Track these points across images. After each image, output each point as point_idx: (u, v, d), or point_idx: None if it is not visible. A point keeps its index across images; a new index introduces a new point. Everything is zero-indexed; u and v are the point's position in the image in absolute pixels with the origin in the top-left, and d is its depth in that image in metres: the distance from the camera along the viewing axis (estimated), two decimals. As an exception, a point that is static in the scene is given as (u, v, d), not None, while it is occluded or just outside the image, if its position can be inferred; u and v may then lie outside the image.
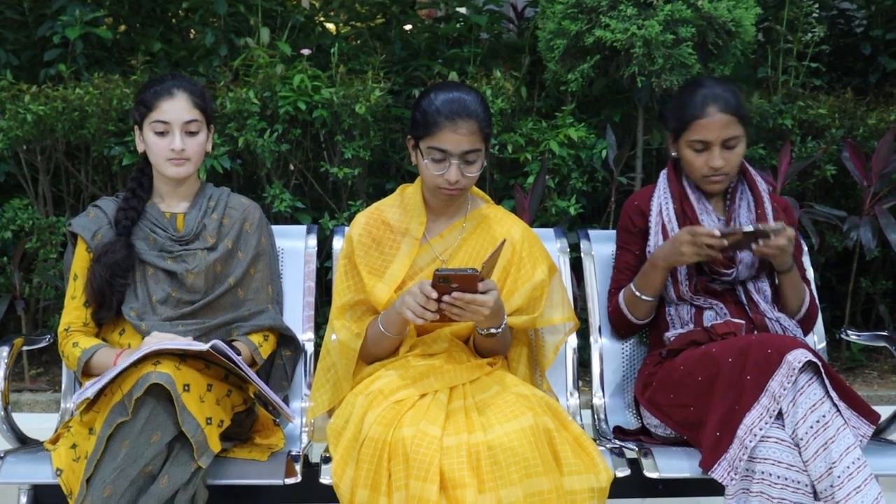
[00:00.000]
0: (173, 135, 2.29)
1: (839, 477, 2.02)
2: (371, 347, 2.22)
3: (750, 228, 2.27)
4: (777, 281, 2.42)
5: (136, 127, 2.35)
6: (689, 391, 2.22)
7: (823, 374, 2.11)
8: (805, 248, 2.63)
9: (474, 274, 1.97)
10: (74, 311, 2.31)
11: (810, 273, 2.61)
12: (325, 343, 2.29)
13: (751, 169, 2.47)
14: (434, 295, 1.98)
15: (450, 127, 2.13)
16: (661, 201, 2.45)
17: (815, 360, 2.10)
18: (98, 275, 2.26)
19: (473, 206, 2.32)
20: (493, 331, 2.13)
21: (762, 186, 2.45)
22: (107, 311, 2.28)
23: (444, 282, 1.97)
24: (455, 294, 1.98)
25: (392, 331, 2.16)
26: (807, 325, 2.46)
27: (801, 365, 2.08)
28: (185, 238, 2.33)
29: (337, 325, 2.24)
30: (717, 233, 2.24)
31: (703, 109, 2.34)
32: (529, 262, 2.26)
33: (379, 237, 2.26)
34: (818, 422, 2.07)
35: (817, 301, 2.52)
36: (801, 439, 2.07)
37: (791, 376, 2.08)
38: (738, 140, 2.35)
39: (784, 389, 2.08)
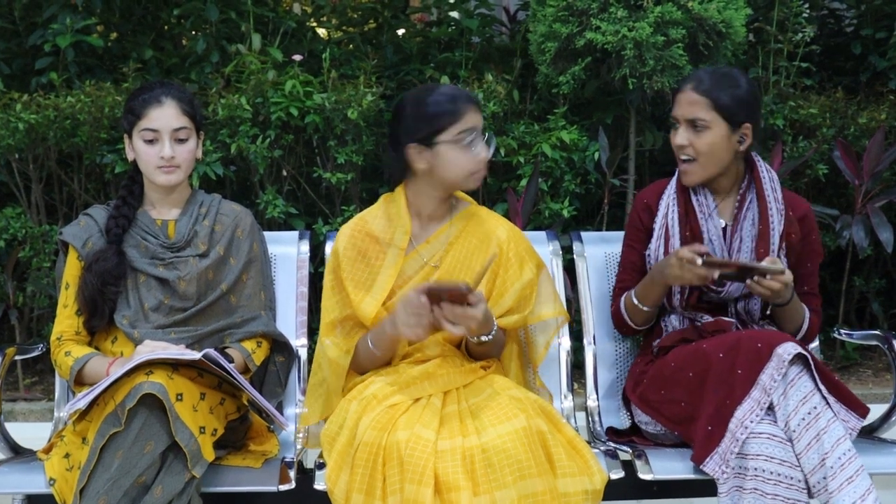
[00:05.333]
0: (163, 142, 2.28)
1: (832, 468, 2.03)
2: (363, 362, 2.22)
3: (745, 264, 2.21)
4: (770, 311, 2.38)
5: (125, 135, 2.34)
6: (681, 387, 2.23)
7: (812, 367, 2.12)
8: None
9: (466, 291, 2.00)
10: (66, 321, 2.30)
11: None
12: (317, 357, 2.29)
13: (764, 175, 2.37)
14: (425, 301, 2.01)
15: (469, 107, 2.19)
16: (669, 201, 2.40)
17: (804, 352, 2.11)
18: (89, 283, 2.25)
19: (458, 209, 2.33)
20: (483, 339, 2.15)
21: (770, 196, 2.35)
22: (99, 319, 2.27)
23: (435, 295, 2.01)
24: (445, 307, 2.02)
25: (382, 349, 2.17)
26: (805, 341, 2.39)
27: (790, 357, 2.10)
28: (177, 245, 2.32)
29: (326, 342, 2.24)
30: (699, 261, 2.19)
31: (681, 85, 2.36)
32: (516, 261, 2.27)
33: (364, 249, 2.26)
34: (809, 413, 2.08)
35: (821, 315, 2.45)
36: (794, 431, 2.08)
37: (781, 369, 2.09)
38: (704, 124, 2.29)
39: (774, 382, 2.09)
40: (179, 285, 2.28)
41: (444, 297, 2.00)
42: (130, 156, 2.34)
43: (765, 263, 2.20)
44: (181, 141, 2.30)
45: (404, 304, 2.05)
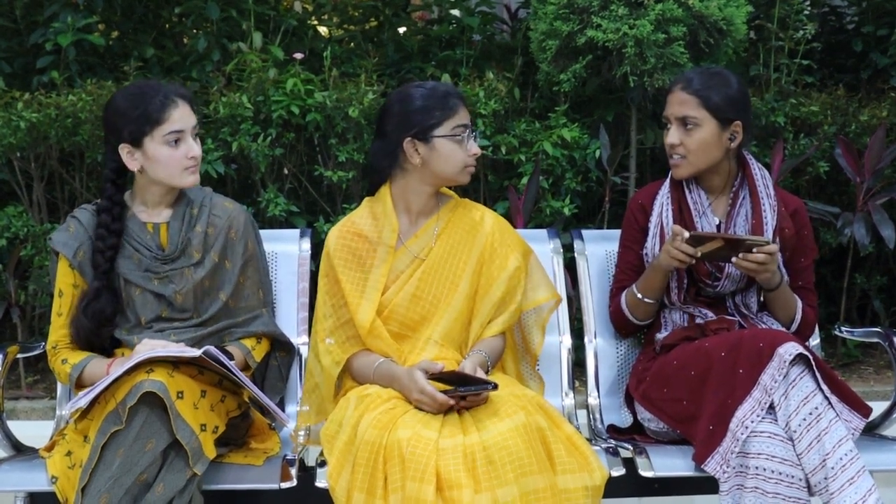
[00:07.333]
0: (188, 142, 2.22)
1: (833, 468, 2.03)
2: (361, 381, 2.23)
3: (730, 236, 2.24)
4: (763, 297, 2.40)
5: (126, 145, 2.22)
6: (682, 386, 2.23)
7: (814, 367, 2.12)
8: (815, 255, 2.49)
9: (493, 389, 2.04)
10: (61, 329, 2.26)
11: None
12: (309, 365, 2.31)
13: (756, 173, 2.40)
14: (448, 401, 2.05)
15: (460, 104, 2.24)
16: (663, 201, 2.43)
17: (805, 353, 2.12)
18: (84, 326, 2.21)
19: (443, 203, 2.35)
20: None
21: (763, 192, 2.38)
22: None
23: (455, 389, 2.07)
24: (465, 396, 2.07)
25: (384, 385, 2.17)
26: (801, 336, 2.39)
27: (791, 358, 2.10)
28: (171, 256, 2.27)
29: (321, 349, 2.25)
30: (686, 234, 2.23)
31: (672, 86, 2.39)
32: (502, 250, 2.30)
33: (355, 248, 2.27)
34: (811, 414, 2.08)
35: (817, 311, 2.46)
36: (795, 432, 2.08)
37: (782, 369, 2.10)
38: (695, 122, 2.32)
39: (775, 382, 2.10)
40: (176, 299, 2.26)
41: (467, 398, 2.05)
42: (135, 165, 2.23)
43: (746, 235, 2.24)
44: (195, 138, 2.26)
45: (425, 395, 2.05)
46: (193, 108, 2.27)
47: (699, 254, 2.23)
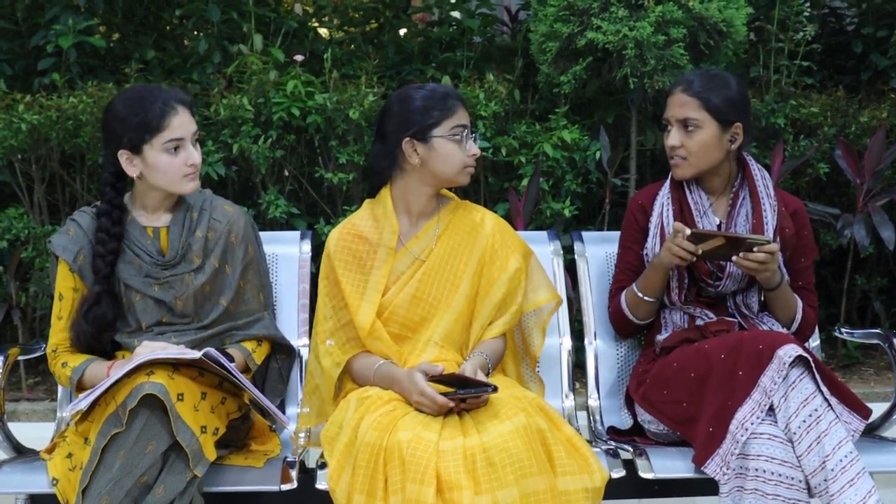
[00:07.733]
0: (187, 149, 2.20)
1: (833, 470, 2.03)
2: (361, 383, 2.23)
3: (731, 234, 2.25)
4: (763, 297, 2.41)
5: (126, 151, 2.19)
6: (682, 387, 2.24)
7: (814, 369, 2.12)
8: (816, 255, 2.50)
9: (493, 392, 2.03)
10: (61, 333, 2.25)
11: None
12: (309, 367, 2.31)
13: (756, 174, 2.41)
14: (448, 404, 2.04)
15: (459, 105, 2.24)
16: (664, 201, 2.43)
17: (805, 354, 2.12)
18: (85, 331, 2.20)
19: (444, 204, 2.35)
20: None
21: (763, 192, 2.39)
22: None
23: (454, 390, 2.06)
24: (465, 399, 2.06)
25: (384, 387, 2.17)
26: (801, 337, 2.41)
27: (791, 360, 2.10)
28: (171, 262, 2.26)
29: (321, 350, 2.26)
30: (688, 231, 2.23)
31: (672, 88, 2.40)
32: (502, 252, 2.30)
33: (356, 249, 2.28)
34: (811, 416, 2.08)
35: (817, 311, 2.47)
36: (795, 433, 2.08)
37: (782, 371, 2.10)
38: (696, 124, 2.32)
39: (775, 384, 2.10)
40: (176, 305, 2.25)
41: (467, 400, 2.04)
42: (134, 172, 2.22)
43: (747, 234, 2.25)
44: (195, 144, 2.25)
45: (425, 397, 2.04)
46: (193, 113, 2.26)
47: (700, 251, 2.23)
